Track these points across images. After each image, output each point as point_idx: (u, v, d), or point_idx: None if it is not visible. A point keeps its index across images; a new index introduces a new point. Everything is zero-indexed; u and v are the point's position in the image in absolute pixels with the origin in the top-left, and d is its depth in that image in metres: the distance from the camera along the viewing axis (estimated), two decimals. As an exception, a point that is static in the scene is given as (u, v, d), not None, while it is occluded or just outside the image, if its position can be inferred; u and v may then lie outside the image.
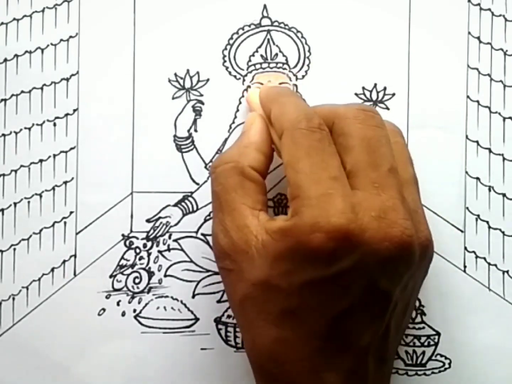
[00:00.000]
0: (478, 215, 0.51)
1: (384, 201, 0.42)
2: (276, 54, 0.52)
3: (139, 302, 0.51)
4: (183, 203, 0.51)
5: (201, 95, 0.51)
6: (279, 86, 0.51)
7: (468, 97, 0.52)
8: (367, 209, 0.42)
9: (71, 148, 0.51)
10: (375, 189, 0.43)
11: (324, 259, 0.41)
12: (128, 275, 0.51)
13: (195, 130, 0.51)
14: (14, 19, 0.50)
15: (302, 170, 0.42)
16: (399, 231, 0.42)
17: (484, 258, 0.51)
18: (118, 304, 0.51)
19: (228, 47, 0.51)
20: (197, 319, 0.51)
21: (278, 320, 0.43)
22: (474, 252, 0.51)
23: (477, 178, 0.52)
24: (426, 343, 0.52)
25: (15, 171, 0.51)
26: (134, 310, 0.51)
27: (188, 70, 0.51)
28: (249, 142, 0.46)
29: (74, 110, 0.51)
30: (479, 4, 0.52)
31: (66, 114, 0.51)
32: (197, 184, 0.51)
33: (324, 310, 0.43)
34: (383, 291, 0.43)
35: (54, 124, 0.51)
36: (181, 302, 0.51)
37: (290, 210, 0.43)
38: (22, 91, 0.51)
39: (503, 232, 0.51)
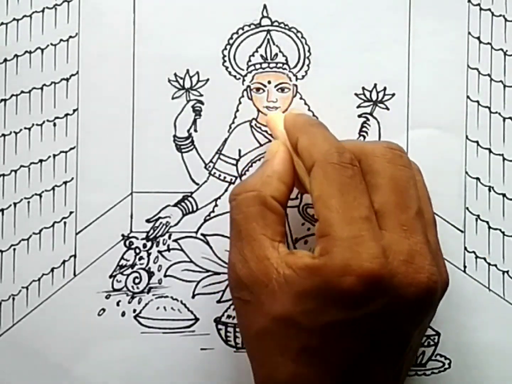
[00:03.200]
0: (478, 215, 0.51)
1: (412, 245, 0.42)
2: (276, 54, 0.52)
3: (139, 302, 0.51)
4: (183, 203, 0.51)
5: (201, 95, 0.51)
6: (306, 115, 0.50)
7: (468, 97, 0.52)
8: (396, 253, 0.42)
9: (71, 148, 0.51)
10: (403, 232, 0.43)
11: (353, 302, 0.41)
12: (128, 275, 0.51)
13: (195, 130, 0.51)
14: (14, 19, 0.50)
15: (334, 208, 0.42)
16: (425, 277, 0.42)
17: (484, 258, 0.51)
18: (118, 304, 0.51)
19: (228, 47, 0.51)
20: (197, 319, 0.51)
21: (297, 357, 0.43)
22: (474, 252, 0.51)
23: (477, 178, 0.52)
24: (426, 343, 0.52)
25: (15, 171, 0.51)
26: (134, 310, 0.51)
27: (188, 70, 0.51)
28: (273, 172, 0.46)
29: (74, 110, 0.51)
30: (479, 4, 0.52)
31: (66, 114, 0.51)
32: (197, 184, 0.51)
33: (345, 350, 0.43)
34: (404, 333, 0.43)
35: (54, 124, 0.51)
36: (181, 302, 0.51)
37: (318, 248, 0.42)
38: (22, 91, 0.51)
39: (503, 232, 0.51)
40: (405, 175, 0.44)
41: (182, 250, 0.51)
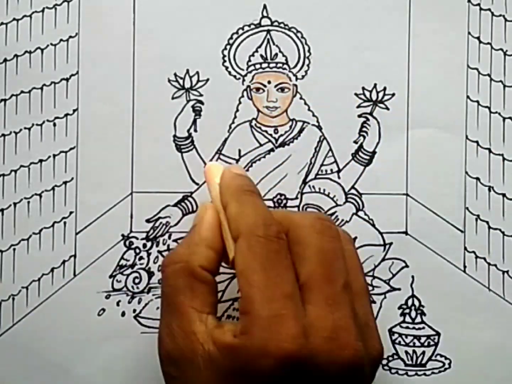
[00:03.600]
0: (478, 215, 0.51)
1: (337, 320, 0.41)
2: (276, 54, 0.52)
3: (139, 302, 0.51)
4: (183, 203, 0.51)
5: (201, 95, 0.51)
6: (243, 178, 0.47)
7: (468, 97, 0.52)
8: (319, 330, 0.41)
9: (71, 148, 0.51)
10: (328, 306, 0.42)
11: (272, 383, 0.40)
12: (128, 275, 0.51)
13: (195, 130, 0.51)
14: (14, 19, 0.50)
15: (256, 284, 0.41)
16: (350, 354, 0.41)
17: (484, 258, 0.51)
18: (118, 304, 0.51)
19: (228, 47, 0.51)
20: (197, 319, 0.51)
21: None
22: (474, 252, 0.51)
23: (477, 178, 0.52)
24: (426, 343, 0.52)
25: (15, 171, 0.51)
26: (134, 310, 0.51)
27: (188, 70, 0.51)
28: (200, 239, 0.45)
29: (74, 110, 0.51)
30: (479, 4, 0.52)
31: (66, 114, 0.51)
32: (197, 184, 0.51)
33: None
34: None
35: (54, 124, 0.51)
36: (181, 302, 0.51)
37: (239, 325, 0.41)
38: (22, 91, 0.51)
39: (503, 232, 0.51)
40: (333, 247, 0.44)
41: (182, 250, 0.51)
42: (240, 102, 0.51)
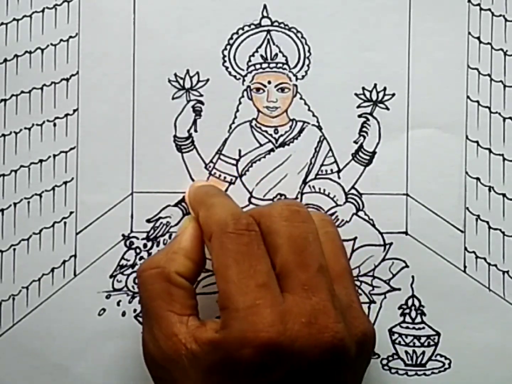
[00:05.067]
0: (478, 215, 0.51)
1: (314, 304, 0.42)
2: (276, 54, 0.52)
3: (139, 302, 0.51)
4: (183, 203, 0.51)
5: (201, 95, 0.51)
6: (207, 186, 0.50)
7: (468, 97, 0.52)
8: (297, 316, 0.41)
9: (71, 148, 0.51)
10: (304, 292, 0.42)
11: (255, 372, 0.41)
12: (129, 275, 0.51)
13: (195, 130, 0.51)
14: (14, 19, 0.50)
15: (230, 279, 0.42)
16: (330, 336, 0.41)
17: (484, 259, 0.51)
18: (118, 304, 0.51)
19: (228, 47, 0.51)
20: (197, 319, 0.51)
21: None
22: (474, 252, 0.51)
23: (477, 178, 0.52)
24: (426, 343, 0.52)
25: (15, 171, 0.51)
26: (135, 310, 0.51)
27: (188, 70, 0.51)
28: (179, 248, 0.45)
29: (74, 110, 0.51)
30: (479, 4, 0.52)
31: (66, 114, 0.51)
32: (197, 184, 0.51)
33: None
34: None
35: (54, 124, 0.51)
36: (181, 302, 0.51)
37: (220, 321, 0.42)
38: (22, 91, 0.51)
39: (503, 232, 0.51)
40: (303, 232, 0.44)
41: (182, 250, 0.51)
42: (240, 102, 0.51)
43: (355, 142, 0.52)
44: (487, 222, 0.51)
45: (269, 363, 0.41)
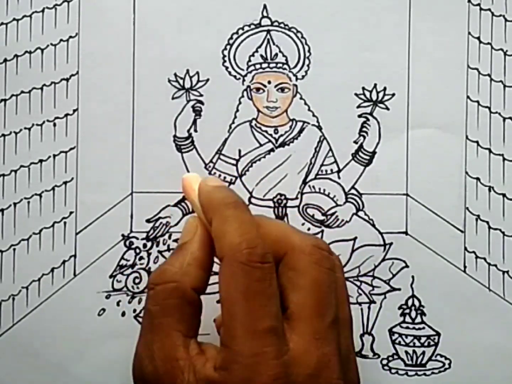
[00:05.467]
0: (478, 215, 0.51)
1: (321, 356, 0.41)
2: (276, 54, 0.52)
3: (139, 302, 0.51)
4: (183, 203, 0.51)
5: (201, 95, 0.51)
6: (223, 189, 0.45)
7: (468, 97, 0.52)
8: (302, 366, 0.40)
9: (71, 148, 0.51)
10: (315, 341, 0.41)
11: None
12: (128, 275, 0.51)
13: (195, 130, 0.51)
14: (14, 19, 0.51)
15: (238, 317, 0.40)
16: None
17: (484, 259, 0.51)
18: (118, 304, 0.51)
19: (228, 47, 0.51)
20: (197, 319, 0.51)
21: None
22: (474, 252, 0.51)
23: (477, 178, 0.52)
24: (426, 343, 0.52)
25: (15, 171, 0.51)
26: (134, 310, 0.51)
27: (188, 70, 0.51)
28: (193, 259, 0.43)
29: (74, 110, 0.51)
30: (479, 4, 0.52)
31: (66, 114, 0.51)
32: (197, 184, 0.51)
33: None
34: None
35: (54, 124, 0.51)
36: (181, 302, 0.51)
37: (220, 358, 0.40)
38: (22, 91, 0.51)
39: (503, 232, 0.51)
40: (328, 280, 0.42)
41: (182, 250, 0.51)
42: (240, 102, 0.51)
43: (355, 142, 0.52)
44: (487, 222, 0.51)
45: None
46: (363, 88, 0.52)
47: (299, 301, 0.41)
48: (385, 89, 0.52)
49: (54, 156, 0.51)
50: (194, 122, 0.51)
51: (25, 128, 0.51)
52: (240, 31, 0.51)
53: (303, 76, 0.51)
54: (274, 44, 0.51)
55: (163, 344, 0.42)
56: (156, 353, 0.42)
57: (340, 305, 0.43)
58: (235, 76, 0.51)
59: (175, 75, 0.51)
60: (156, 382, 0.42)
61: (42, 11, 0.51)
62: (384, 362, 0.52)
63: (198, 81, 0.51)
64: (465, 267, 0.51)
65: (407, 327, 0.51)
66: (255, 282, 0.41)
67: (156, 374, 0.42)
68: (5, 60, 0.50)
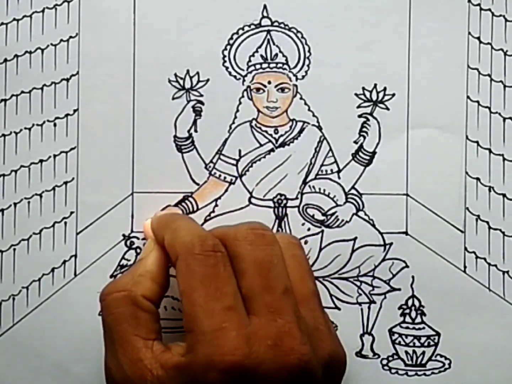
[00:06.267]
0: (478, 215, 0.51)
1: (280, 327, 0.42)
2: (276, 54, 0.52)
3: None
4: (183, 203, 0.51)
5: (201, 95, 0.51)
6: (170, 212, 0.50)
7: (468, 97, 0.52)
8: (262, 338, 0.41)
9: (71, 148, 0.51)
10: (270, 314, 0.42)
11: None
12: (128, 275, 0.51)
13: (195, 131, 0.51)
14: (14, 19, 0.50)
15: (197, 302, 0.42)
16: (296, 358, 0.42)
17: (484, 259, 0.51)
18: (118, 304, 0.51)
19: (228, 47, 0.51)
20: (197, 319, 0.51)
21: None
22: (474, 252, 0.51)
23: (477, 178, 0.52)
24: (426, 343, 0.52)
25: (15, 171, 0.51)
26: (134, 310, 0.51)
27: (188, 70, 0.51)
28: (145, 271, 0.45)
29: (74, 110, 0.51)
30: (479, 4, 0.52)
31: (66, 114, 0.51)
32: (197, 184, 0.51)
33: None
34: None
35: (54, 124, 0.51)
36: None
37: (185, 344, 0.42)
38: (22, 91, 0.51)
39: (503, 233, 0.51)
40: (268, 255, 0.44)
41: (182, 250, 0.51)
42: (240, 102, 0.51)
43: (355, 142, 0.52)
44: (487, 222, 0.51)
45: None
46: (363, 88, 0.52)
47: (246, 284, 0.43)
48: (385, 89, 0.52)
49: (55, 156, 0.51)
50: (194, 122, 0.51)
51: (25, 128, 0.51)
52: (240, 31, 0.51)
53: (303, 76, 0.52)
54: (274, 44, 0.51)
55: (125, 350, 0.43)
56: (121, 360, 0.43)
57: (299, 280, 0.45)
58: (235, 76, 0.51)
59: (175, 75, 0.51)
60: None
61: (42, 11, 0.51)
62: (384, 362, 0.52)
63: (198, 81, 0.51)
64: (465, 267, 0.52)
65: (407, 327, 0.51)
66: (209, 268, 0.43)
67: (126, 380, 0.43)
68: (5, 60, 0.50)
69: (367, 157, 0.52)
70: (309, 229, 0.52)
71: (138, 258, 0.48)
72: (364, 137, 0.52)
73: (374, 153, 0.52)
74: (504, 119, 0.52)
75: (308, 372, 0.42)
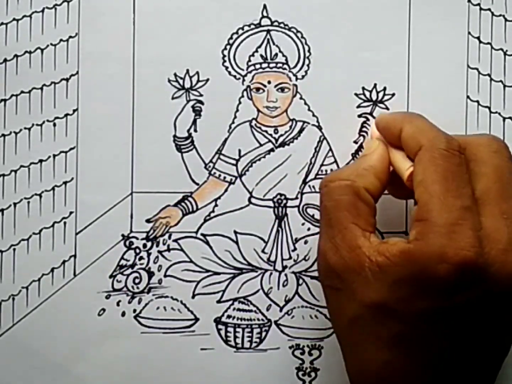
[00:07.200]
0: (479, 215, 0.51)
1: (511, 233, 0.42)
2: (276, 54, 0.52)
3: (139, 302, 0.51)
4: (183, 203, 0.51)
5: (201, 95, 0.51)
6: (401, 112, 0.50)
7: (468, 97, 0.52)
8: (494, 242, 0.42)
9: (71, 148, 0.51)
10: (503, 220, 0.42)
11: (448, 290, 0.41)
12: (128, 275, 0.51)
13: (195, 130, 0.51)
14: (14, 19, 0.50)
15: (436, 193, 0.42)
16: None
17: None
18: (118, 304, 0.51)
19: (228, 47, 0.51)
20: (197, 319, 0.51)
21: (389, 345, 0.42)
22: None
23: (477, 178, 0.51)
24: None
25: (15, 171, 0.51)
26: (134, 310, 0.51)
27: (187, 70, 0.51)
28: (369, 166, 0.46)
29: (74, 110, 0.51)
30: (479, 4, 0.52)
31: (66, 114, 0.51)
32: (197, 184, 0.51)
33: (438, 339, 0.42)
34: (502, 322, 0.43)
35: (54, 124, 0.51)
36: (181, 302, 0.51)
37: (413, 231, 0.42)
38: (22, 91, 0.51)
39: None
40: (509, 167, 0.44)
41: (182, 250, 0.51)
42: (240, 102, 0.51)
43: (355, 142, 0.52)
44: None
45: (464, 282, 0.41)
46: (363, 88, 0.52)
47: (484, 187, 0.43)
48: (385, 89, 0.52)
49: (54, 156, 0.51)
50: (194, 122, 0.51)
51: (25, 128, 0.51)
52: (240, 31, 0.51)
53: (303, 76, 0.51)
54: (274, 44, 0.51)
55: (343, 236, 0.44)
56: (339, 244, 0.44)
57: None
58: (235, 76, 0.51)
59: (175, 75, 0.51)
60: (345, 270, 0.43)
61: (42, 11, 0.51)
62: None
63: (198, 81, 0.51)
64: (465, 267, 0.51)
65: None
66: (453, 165, 0.43)
67: (343, 264, 0.43)
68: (5, 60, 0.50)
69: (367, 157, 0.52)
70: (309, 229, 0.52)
71: (361, 155, 0.48)
72: (364, 137, 0.52)
73: (374, 153, 0.52)
74: (504, 118, 0.52)
75: None
